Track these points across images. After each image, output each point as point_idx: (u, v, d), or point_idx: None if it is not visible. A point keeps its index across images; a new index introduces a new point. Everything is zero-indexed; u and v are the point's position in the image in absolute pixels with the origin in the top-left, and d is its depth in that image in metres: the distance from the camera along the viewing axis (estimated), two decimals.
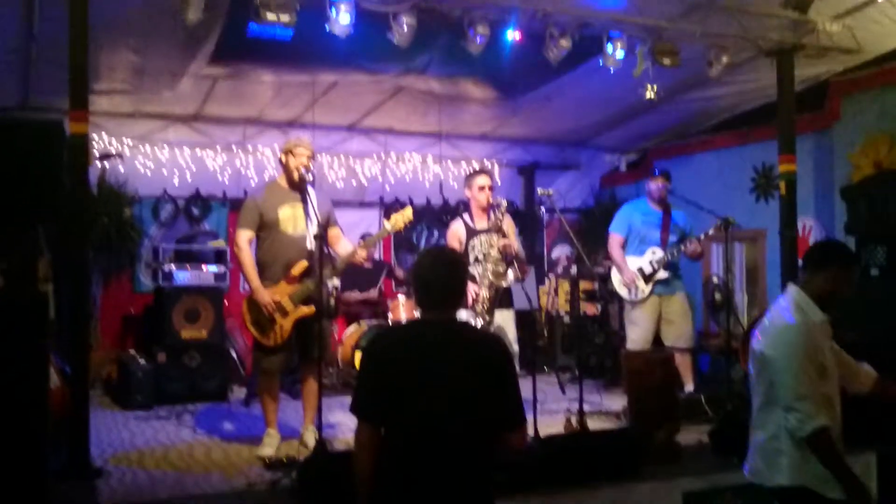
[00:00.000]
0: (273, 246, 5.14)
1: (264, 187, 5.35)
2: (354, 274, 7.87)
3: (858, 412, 5.09)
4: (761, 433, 3.19)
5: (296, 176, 5.13)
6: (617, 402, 6.56)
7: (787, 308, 3.13)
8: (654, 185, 6.61)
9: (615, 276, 6.66)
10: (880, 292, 6.00)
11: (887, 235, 6.09)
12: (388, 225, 5.21)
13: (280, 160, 5.28)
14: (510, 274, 5.50)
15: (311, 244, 5.01)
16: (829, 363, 3.14)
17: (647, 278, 6.46)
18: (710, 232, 6.21)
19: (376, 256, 8.86)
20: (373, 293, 8.33)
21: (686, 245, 6.37)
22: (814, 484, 3.04)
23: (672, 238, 6.50)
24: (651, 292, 6.47)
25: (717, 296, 7.02)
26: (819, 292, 3.13)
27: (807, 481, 3.05)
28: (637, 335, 6.51)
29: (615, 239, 6.71)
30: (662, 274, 6.43)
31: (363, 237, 8.38)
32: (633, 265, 6.53)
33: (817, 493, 3.03)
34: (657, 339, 6.62)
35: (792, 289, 3.20)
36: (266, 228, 5.14)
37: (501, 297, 5.57)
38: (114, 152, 7.68)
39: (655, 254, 6.45)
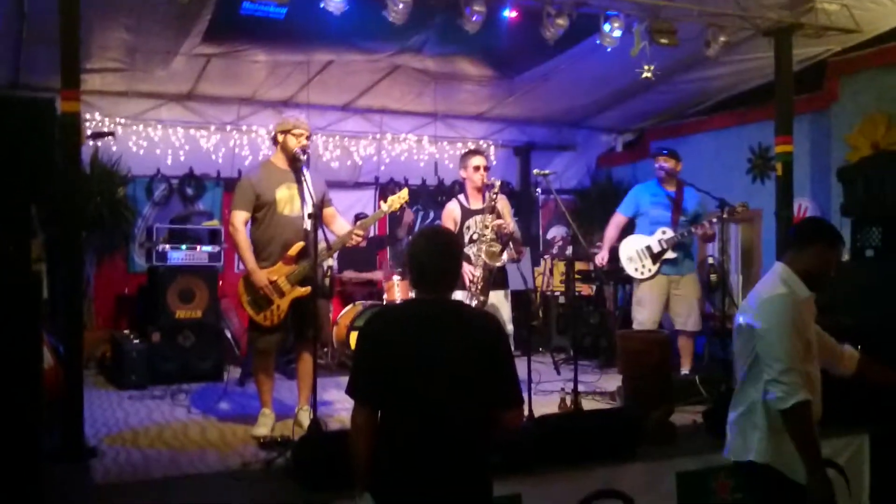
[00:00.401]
0: (270, 227, 5.10)
1: (259, 167, 5.29)
2: (351, 254, 7.87)
3: (848, 392, 5.13)
4: (738, 408, 3.20)
5: (295, 156, 5.08)
6: (611, 382, 6.57)
7: (774, 283, 3.14)
8: (656, 164, 6.59)
9: (622, 253, 6.64)
10: (875, 274, 5.99)
11: (883, 217, 6.08)
12: (384, 206, 5.18)
13: (275, 139, 5.23)
14: (504, 254, 5.49)
15: (307, 224, 4.99)
16: (814, 341, 3.15)
17: (655, 257, 6.45)
18: (724, 216, 6.21)
19: (371, 233, 8.84)
20: (374, 274, 8.32)
21: (696, 228, 6.36)
22: (780, 464, 3.04)
23: (682, 219, 6.48)
24: (658, 271, 6.46)
25: (713, 277, 7.01)
26: (807, 269, 3.14)
27: (773, 460, 3.05)
28: (643, 316, 6.49)
29: (615, 218, 6.77)
30: (671, 254, 6.42)
31: (357, 217, 8.37)
32: (641, 243, 6.52)
33: (782, 474, 3.03)
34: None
35: (779, 265, 3.20)
36: (262, 209, 5.09)
37: (496, 278, 5.55)
38: (106, 131, 7.62)
39: (665, 233, 6.44)
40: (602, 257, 6.69)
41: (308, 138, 5.16)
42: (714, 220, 6.35)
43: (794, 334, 2.99)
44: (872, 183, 6.19)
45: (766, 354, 3.02)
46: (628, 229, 6.76)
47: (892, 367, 3.41)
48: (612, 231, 6.71)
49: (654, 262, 6.47)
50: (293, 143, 5.07)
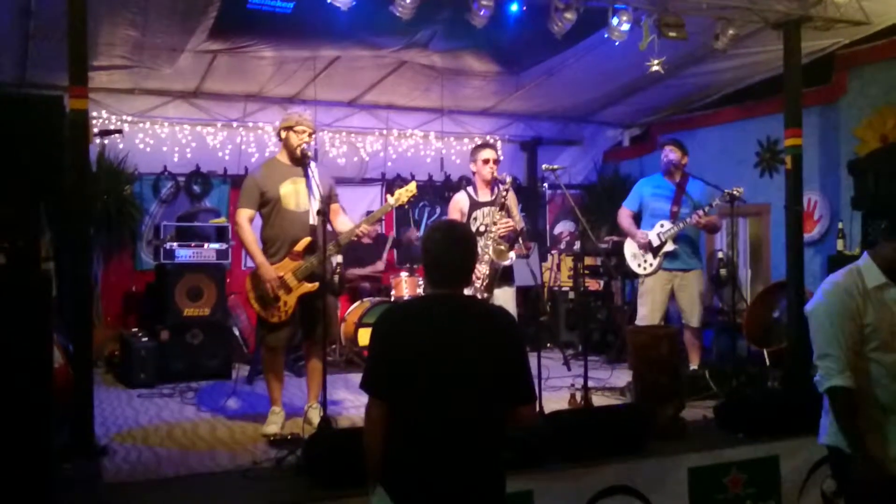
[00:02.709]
0: (276, 223, 5.10)
1: (263, 165, 5.31)
2: (355, 250, 7.86)
3: None
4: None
5: (298, 153, 5.09)
6: (621, 378, 6.56)
7: (841, 271, 3.15)
8: (662, 154, 6.56)
9: (627, 249, 6.62)
10: None
11: (894, 209, 6.03)
12: (391, 199, 5.17)
13: (279, 136, 5.23)
14: (512, 254, 5.44)
15: (313, 220, 4.99)
16: (887, 327, 3.07)
17: (655, 251, 6.41)
18: (716, 202, 6.15)
19: (378, 230, 8.84)
20: (377, 266, 8.36)
21: (692, 217, 6.28)
22: (845, 445, 3.08)
23: (684, 211, 6.40)
24: (659, 266, 6.42)
25: (722, 271, 6.97)
26: (887, 262, 3.11)
27: (839, 442, 3.09)
28: (646, 310, 6.47)
29: (623, 211, 6.70)
30: (670, 246, 6.36)
31: (365, 215, 8.36)
32: None
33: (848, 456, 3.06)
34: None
35: (865, 253, 3.19)
36: (268, 206, 5.09)
37: (502, 274, 5.50)
38: (114, 129, 7.62)
39: (664, 226, 6.39)
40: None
41: (311, 136, 5.16)
42: (708, 208, 6.25)
43: (841, 321, 3.01)
44: (883, 176, 6.16)
45: (811, 338, 3.11)
46: (636, 223, 6.72)
47: None
48: (626, 221, 6.64)
49: (654, 257, 6.43)
50: (295, 141, 5.09)
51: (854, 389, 2.99)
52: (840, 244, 6.79)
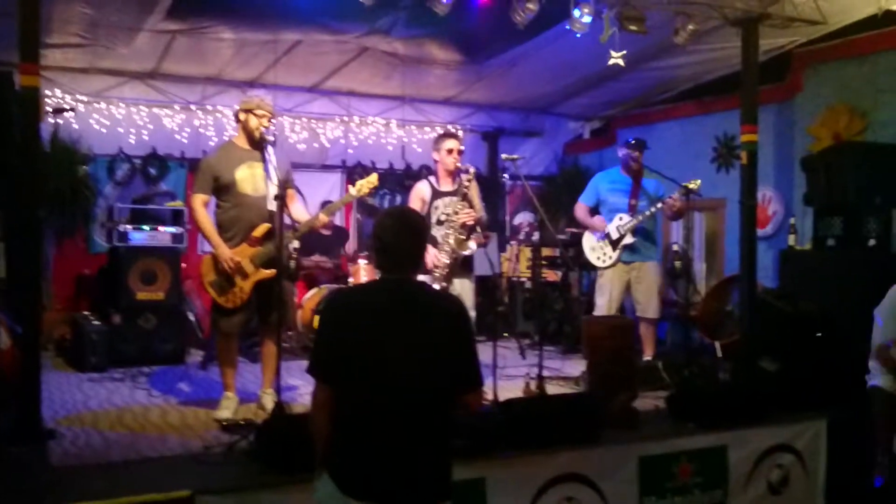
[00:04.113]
0: (233, 207, 5.04)
1: (219, 148, 5.24)
2: (314, 240, 7.81)
3: (806, 379, 5.20)
4: None
5: (256, 136, 5.03)
6: (576, 367, 6.62)
7: None
8: (622, 152, 6.66)
9: (585, 242, 6.70)
10: (836, 263, 6.10)
11: (844, 207, 6.17)
12: (353, 190, 5.15)
13: (237, 118, 5.16)
14: (472, 244, 5.46)
15: (271, 205, 4.94)
16: None
17: (614, 244, 6.50)
18: (675, 197, 6.26)
19: (337, 222, 8.81)
20: (335, 261, 8.34)
21: (664, 203, 6.37)
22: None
23: (642, 204, 6.51)
24: (618, 258, 6.51)
25: (677, 264, 7.08)
26: None
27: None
28: (602, 302, 6.57)
29: (579, 206, 6.78)
30: (629, 239, 6.46)
31: (324, 204, 8.31)
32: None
33: None
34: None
35: None
36: (223, 190, 5.03)
37: (461, 265, 5.52)
38: (66, 106, 7.46)
39: (622, 219, 6.49)
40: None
41: (270, 120, 5.10)
42: (671, 199, 6.35)
43: (888, 324, 3.08)
44: (834, 173, 6.28)
45: None
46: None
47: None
48: (582, 213, 6.75)
49: (613, 249, 6.53)
50: (254, 123, 5.03)
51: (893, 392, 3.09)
52: (792, 239, 6.90)
